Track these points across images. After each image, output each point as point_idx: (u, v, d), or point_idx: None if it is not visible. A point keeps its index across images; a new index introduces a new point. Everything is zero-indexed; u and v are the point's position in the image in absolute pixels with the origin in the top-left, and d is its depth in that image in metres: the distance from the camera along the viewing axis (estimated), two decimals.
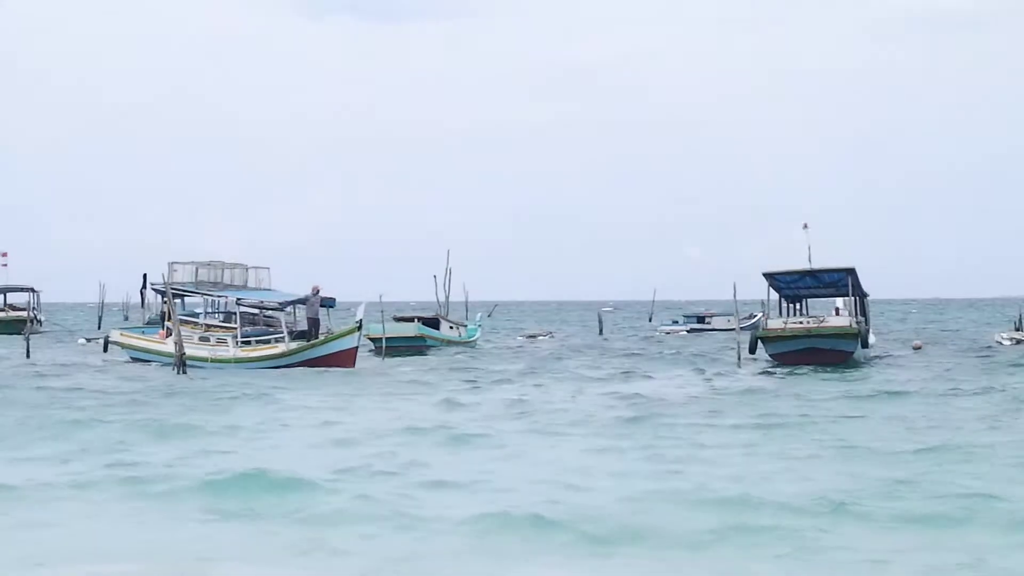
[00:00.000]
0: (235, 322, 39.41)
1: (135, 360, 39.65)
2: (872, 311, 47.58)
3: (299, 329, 38.09)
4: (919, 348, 48.13)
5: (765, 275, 40.53)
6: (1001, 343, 50.50)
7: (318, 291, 37.75)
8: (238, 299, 39.39)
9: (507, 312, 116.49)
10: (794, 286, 41.96)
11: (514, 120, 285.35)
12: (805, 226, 40.89)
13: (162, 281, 39.13)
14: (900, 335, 64.04)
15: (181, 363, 33.84)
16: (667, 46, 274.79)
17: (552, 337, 64.16)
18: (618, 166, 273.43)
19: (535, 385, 30.91)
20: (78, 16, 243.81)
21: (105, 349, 43.85)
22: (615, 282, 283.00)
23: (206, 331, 39.11)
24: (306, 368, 35.54)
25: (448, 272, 57.49)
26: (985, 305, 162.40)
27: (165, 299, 38.95)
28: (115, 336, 42.96)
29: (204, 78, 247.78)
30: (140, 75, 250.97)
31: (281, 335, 37.41)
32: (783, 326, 39.16)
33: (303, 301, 38.05)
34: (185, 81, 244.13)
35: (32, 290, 69.82)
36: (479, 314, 61.98)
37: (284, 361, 36.55)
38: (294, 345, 36.89)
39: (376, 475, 15.43)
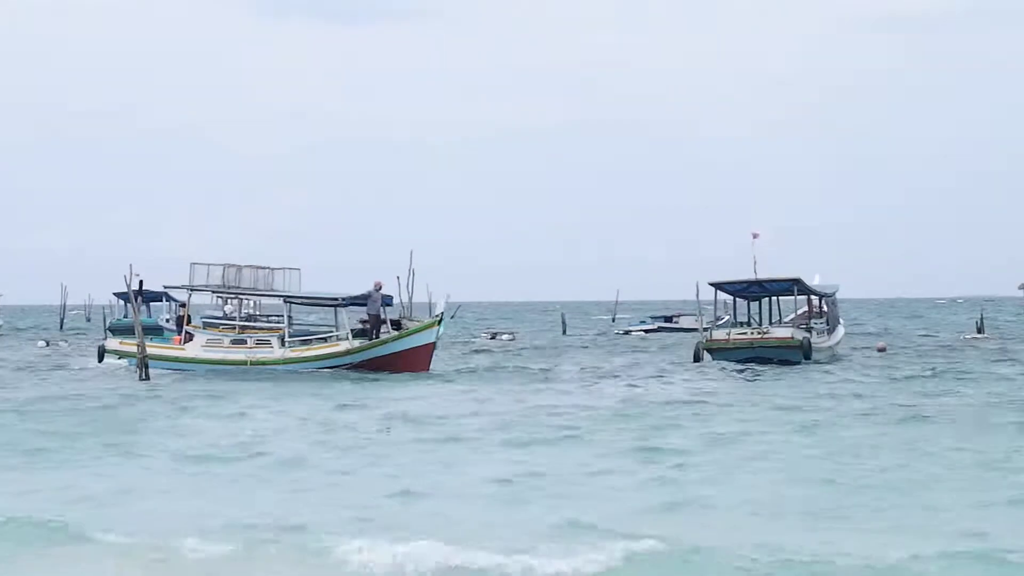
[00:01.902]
0: (281, 323, 36.80)
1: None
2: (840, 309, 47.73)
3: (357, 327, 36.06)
4: (883, 350, 47.49)
5: (712, 284, 40.67)
6: (965, 337, 57.25)
7: (380, 287, 36.02)
8: (286, 298, 36.78)
9: (471, 312, 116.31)
10: (742, 295, 42.10)
11: (478, 121, 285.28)
12: (755, 236, 40.77)
13: (186, 284, 36.90)
14: (864, 331, 64.40)
15: (143, 366, 33.37)
16: (633, 49, 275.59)
17: (514, 338, 64.09)
18: (582, 167, 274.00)
19: (486, 387, 30.35)
20: (34, 19, 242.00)
21: (100, 359, 38.29)
22: (582, 282, 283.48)
23: (240, 332, 36.53)
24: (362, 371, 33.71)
25: (412, 273, 57.29)
26: (956, 304, 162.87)
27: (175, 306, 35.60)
28: (113, 344, 39.04)
29: (164, 81, 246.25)
30: (100, 78, 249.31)
31: (335, 334, 35.83)
32: (727, 337, 39.47)
33: (364, 298, 35.89)
34: (146, 84, 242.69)
35: None
36: (440, 300, 61.50)
37: (346, 360, 34.80)
38: (357, 343, 35.19)
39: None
